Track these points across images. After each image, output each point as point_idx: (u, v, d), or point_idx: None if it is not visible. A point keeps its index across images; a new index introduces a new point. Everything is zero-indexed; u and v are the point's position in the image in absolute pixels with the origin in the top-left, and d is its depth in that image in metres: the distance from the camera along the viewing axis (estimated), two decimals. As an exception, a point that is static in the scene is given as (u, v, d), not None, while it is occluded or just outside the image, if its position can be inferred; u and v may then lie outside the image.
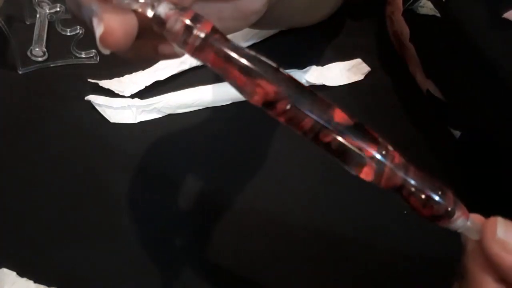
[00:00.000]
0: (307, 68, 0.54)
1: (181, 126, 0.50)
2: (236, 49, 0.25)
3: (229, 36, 0.27)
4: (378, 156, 0.26)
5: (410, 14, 0.47)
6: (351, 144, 0.25)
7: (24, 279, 0.41)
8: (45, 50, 0.55)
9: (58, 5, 0.56)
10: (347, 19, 0.59)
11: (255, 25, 0.36)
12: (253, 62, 0.25)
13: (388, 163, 0.26)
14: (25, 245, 0.43)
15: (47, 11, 0.57)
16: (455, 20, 0.41)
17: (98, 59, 0.55)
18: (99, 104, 0.50)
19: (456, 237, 0.28)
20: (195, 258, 0.43)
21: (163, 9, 0.25)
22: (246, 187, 0.47)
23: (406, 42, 0.50)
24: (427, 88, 0.49)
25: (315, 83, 0.53)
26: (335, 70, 0.54)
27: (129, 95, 0.51)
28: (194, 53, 0.25)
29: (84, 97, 0.50)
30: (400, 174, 0.26)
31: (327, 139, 0.25)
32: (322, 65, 0.55)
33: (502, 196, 0.43)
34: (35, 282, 0.41)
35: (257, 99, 0.25)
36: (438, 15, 0.43)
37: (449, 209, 0.26)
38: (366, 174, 0.26)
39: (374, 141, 0.26)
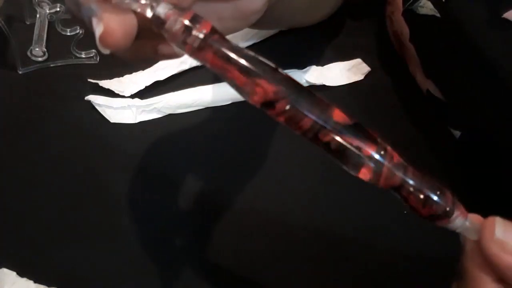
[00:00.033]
0: (307, 68, 0.54)
1: (181, 126, 0.50)
2: (235, 50, 0.25)
3: (229, 36, 0.27)
4: (377, 156, 0.26)
5: (410, 14, 0.47)
6: (350, 144, 0.25)
7: (24, 279, 0.41)
8: (45, 50, 0.55)
9: (58, 5, 0.56)
10: (347, 19, 0.59)
11: (255, 25, 0.36)
12: (253, 63, 0.25)
13: (386, 163, 0.26)
14: (25, 245, 0.43)
15: (47, 11, 0.57)
16: (455, 20, 0.41)
17: (98, 59, 0.55)
18: (99, 104, 0.50)
19: (455, 237, 0.28)
20: (195, 258, 0.43)
21: (162, 10, 0.25)
22: (246, 187, 0.47)
23: (406, 42, 0.50)
24: (427, 88, 0.49)
25: (315, 83, 0.53)
26: (335, 70, 0.54)
27: (129, 95, 0.51)
28: (193, 54, 0.25)
29: (84, 97, 0.50)
30: (399, 174, 0.26)
31: (326, 139, 0.25)
32: (322, 65, 0.55)
33: (502, 196, 0.43)
34: (35, 282, 0.41)
35: (256, 99, 0.25)
36: (438, 15, 0.43)
37: (448, 209, 0.26)
38: (365, 174, 0.26)
39: (373, 141, 0.26)
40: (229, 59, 0.25)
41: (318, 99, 0.26)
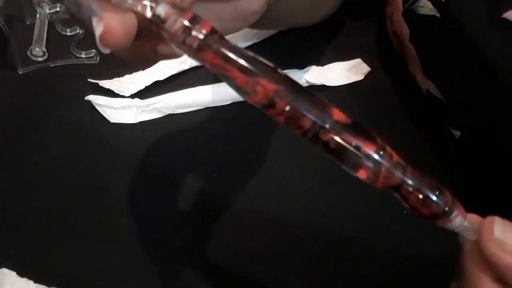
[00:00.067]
0: (307, 68, 0.54)
1: (181, 126, 0.50)
2: (235, 50, 0.25)
3: (229, 36, 0.27)
4: (376, 156, 0.26)
5: (410, 14, 0.47)
6: (349, 143, 0.25)
7: (24, 279, 0.41)
8: (45, 50, 0.55)
9: (58, 5, 0.56)
10: (347, 19, 0.59)
11: (255, 25, 0.36)
12: (252, 62, 0.25)
13: (385, 162, 0.26)
14: (25, 245, 0.43)
15: (47, 11, 0.57)
16: (454, 20, 0.41)
17: (98, 59, 0.55)
18: (99, 104, 0.50)
19: (455, 237, 0.28)
20: (195, 258, 0.43)
21: (162, 10, 0.25)
22: (246, 187, 0.47)
23: (406, 42, 0.50)
24: (427, 88, 0.49)
25: (315, 83, 0.53)
26: (335, 70, 0.54)
27: (129, 95, 0.51)
28: (193, 54, 0.25)
29: (84, 97, 0.50)
30: (398, 174, 0.26)
31: (326, 138, 0.25)
32: (322, 65, 0.55)
33: (502, 196, 0.43)
34: (35, 282, 0.41)
35: (257, 99, 0.25)
36: (438, 15, 0.43)
37: (447, 208, 0.26)
38: (364, 173, 0.26)
39: (372, 141, 0.26)
40: (229, 59, 0.25)
41: (317, 99, 0.26)
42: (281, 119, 0.26)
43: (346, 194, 0.46)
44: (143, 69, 0.53)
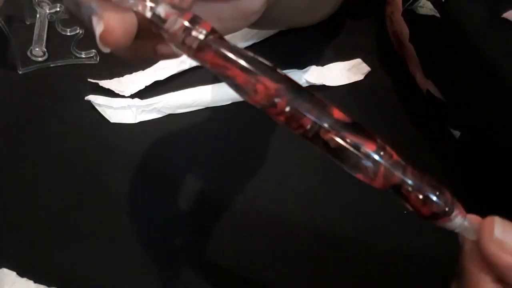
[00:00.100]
0: (307, 68, 0.54)
1: (181, 126, 0.50)
2: (235, 50, 0.25)
3: (229, 36, 0.27)
4: (376, 156, 0.26)
5: (410, 14, 0.47)
6: (349, 143, 0.25)
7: (24, 279, 0.41)
8: (45, 50, 0.55)
9: (58, 5, 0.56)
10: (347, 19, 0.59)
11: (255, 25, 0.36)
12: (252, 62, 0.25)
13: (385, 163, 0.26)
14: (25, 245, 0.43)
15: (47, 11, 0.57)
16: (454, 20, 0.41)
17: (98, 59, 0.55)
18: (99, 104, 0.50)
19: (455, 237, 0.28)
20: (195, 258, 0.43)
21: (162, 10, 0.25)
22: (246, 187, 0.47)
23: (405, 42, 0.50)
24: (427, 88, 0.49)
25: (315, 83, 0.53)
26: (335, 70, 0.54)
27: (129, 95, 0.51)
28: (193, 54, 0.25)
29: (84, 97, 0.50)
30: (398, 174, 0.26)
31: (326, 138, 0.25)
32: (322, 65, 0.55)
33: (502, 196, 0.43)
34: (35, 282, 0.41)
35: (257, 98, 0.25)
36: (438, 15, 0.43)
37: (447, 208, 0.26)
38: (364, 173, 0.26)
39: (372, 141, 0.26)
40: (229, 59, 0.25)
41: (317, 98, 0.26)
42: (281, 118, 0.26)
43: (346, 194, 0.46)
44: (143, 69, 0.53)
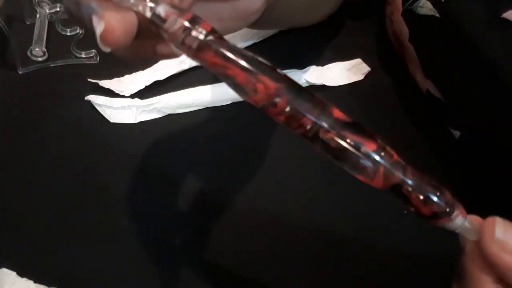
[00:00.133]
0: (307, 68, 0.54)
1: (181, 126, 0.50)
2: (235, 50, 0.25)
3: (229, 36, 0.27)
4: (376, 156, 0.26)
5: (410, 14, 0.47)
6: (349, 144, 0.25)
7: (24, 279, 0.41)
8: (45, 50, 0.55)
9: (58, 5, 0.56)
10: (347, 19, 0.59)
11: (254, 25, 0.36)
12: (252, 62, 0.25)
13: (385, 163, 0.26)
14: (25, 245, 0.43)
15: (47, 11, 0.57)
16: (454, 20, 0.41)
17: (98, 59, 0.55)
18: (99, 104, 0.50)
19: (455, 237, 0.28)
20: (195, 258, 0.43)
21: (161, 10, 0.25)
22: (246, 187, 0.47)
23: (405, 42, 0.50)
24: (426, 88, 0.49)
25: (315, 83, 0.53)
26: (335, 70, 0.54)
27: (129, 95, 0.51)
28: (192, 54, 0.25)
29: (84, 97, 0.50)
30: (398, 174, 0.26)
31: (326, 138, 0.25)
32: (322, 65, 0.55)
33: (502, 196, 0.43)
34: (35, 282, 0.41)
35: (258, 97, 0.25)
36: (437, 15, 0.43)
37: (447, 209, 0.26)
38: (364, 174, 0.26)
39: (372, 141, 0.26)
40: (229, 58, 0.25)
41: (317, 98, 0.26)
42: (281, 118, 0.26)
43: (346, 194, 0.46)
44: (143, 69, 0.53)
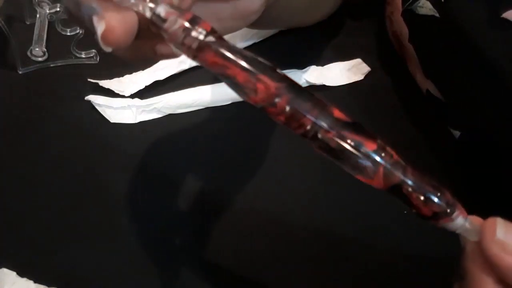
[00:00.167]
0: (307, 68, 0.54)
1: (181, 126, 0.50)
2: (235, 50, 0.25)
3: (229, 35, 0.27)
4: (376, 156, 0.26)
5: (409, 14, 0.47)
6: (349, 144, 0.25)
7: (24, 279, 0.41)
8: (45, 50, 0.55)
9: (58, 5, 0.56)
10: (347, 19, 0.59)
11: (254, 25, 0.36)
12: (252, 62, 0.25)
13: (385, 163, 0.26)
14: (25, 245, 0.43)
15: (47, 11, 0.57)
16: (454, 20, 0.41)
17: (98, 59, 0.55)
18: (99, 104, 0.50)
19: (455, 237, 0.28)
20: (195, 258, 0.43)
21: (161, 10, 0.25)
22: (246, 187, 0.47)
23: (405, 43, 0.50)
24: (426, 88, 0.49)
25: (315, 83, 0.53)
26: (335, 70, 0.54)
27: (129, 95, 0.51)
28: (192, 54, 0.26)
29: (84, 97, 0.50)
30: (398, 174, 0.26)
31: (326, 138, 0.25)
32: (322, 65, 0.55)
33: (502, 196, 0.43)
34: (35, 282, 0.41)
35: (258, 97, 0.25)
36: (437, 15, 0.43)
37: (448, 209, 0.26)
38: (364, 174, 0.26)
39: (372, 141, 0.26)
40: (229, 59, 0.25)
41: (317, 98, 0.26)
42: (281, 118, 0.26)
43: (346, 194, 0.46)
44: (143, 69, 0.53)
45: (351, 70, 0.54)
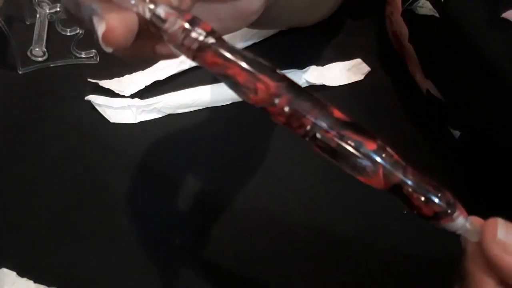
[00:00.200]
0: (307, 68, 0.54)
1: (181, 126, 0.50)
2: (234, 51, 0.25)
3: (228, 36, 0.27)
4: (376, 156, 0.26)
5: (409, 14, 0.47)
6: (349, 144, 0.25)
7: (24, 279, 0.41)
8: (45, 50, 0.55)
9: (58, 5, 0.56)
10: (347, 19, 0.59)
11: (254, 25, 0.36)
12: (252, 63, 0.25)
13: (385, 163, 0.26)
14: (25, 245, 0.43)
15: (47, 11, 0.57)
16: (454, 20, 0.41)
17: (98, 59, 0.55)
18: (99, 104, 0.50)
19: (455, 237, 0.28)
20: (195, 258, 0.43)
21: (162, 11, 0.25)
22: (246, 187, 0.47)
23: (405, 43, 0.50)
24: (426, 88, 0.49)
25: (315, 83, 0.53)
26: (335, 70, 0.54)
27: (129, 95, 0.51)
28: (192, 55, 0.25)
29: (84, 97, 0.50)
30: (398, 174, 0.26)
31: (325, 138, 0.25)
32: (322, 65, 0.55)
33: (502, 196, 0.43)
34: (35, 282, 0.41)
35: (258, 98, 0.25)
36: (437, 15, 0.43)
37: (448, 210, 0.26)
38: (364, 174, 0.26)
39: (372, 141, 0.26)
40: (229, 59, 0.25)
41: (316, 98, 0.26)
42: (281, 119, 0.26)
43: (347, 193, 0.46)
44: (143, 69, 0.53)
45: (351, 70, 0.54)
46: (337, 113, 0.26)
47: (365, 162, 0.26)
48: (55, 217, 0.44)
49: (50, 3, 0.56)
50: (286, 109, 0.25)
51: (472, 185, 0.46)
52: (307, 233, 0.45)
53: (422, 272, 0.43)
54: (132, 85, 0.52)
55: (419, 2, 0.45)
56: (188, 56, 0.26)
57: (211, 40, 0.25)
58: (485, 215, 0.27)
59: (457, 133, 0.47)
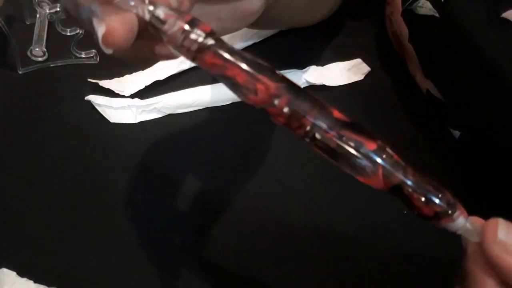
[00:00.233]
0: (307, 68, 0.54)
1: (181, 126, 0.50)
2: (234, 52, 0.25)
3: (228, 36, 0.27)
4: (376, 157, 0.26)
5: (409, 14, 0.47)
6: (349, 144, 0.25)
7: (24, 279, 0.41)
8: (45, 50, 0.55)
9: (58, 5, 0.56)
10: (347, 19, 0.59)
11: (254, 25, 0.36)
12: (252, 64, 0.25)
13: (385, 163, 0.26)
14: (25, 245, 0.43)
15: (47, 11, 0.57)
16: (454, 20, 0.41)
17: (98, 59, 0.55)
18: (99, 104, 0.50)
19: (455, 237, 0.28)
20: (195, 258, 0.43)
21: (161, 12, 0.25)
22: (246, 187, 0.47)
23: (405, 43, 0.50)
24: (426, 88, 0.49)
25: (315, 83, 0.53)
26: (335, 70, 0.54)
27: (129, 95, 0.51)
28: (191, 56, 0.26)
29: (84, 97, 0.50)
30: (398, 174, 0.26)
31: (325, 139, 0.25)
32: (322, 65, 0.55)
33: (502, 196, 0.43)
34: (35, 282, 0.41)
35: (258, 98, 0.25)
36: (437, 15, 0.43)
37: (449, 210, 0.26)
38: (364, 175, 0.26)
39: (372, 141, 0.26)
40: (228, 60, 0.25)
41: (316, 99, 0.26)
42: (281, 119, 0.26)
43: (347, 194, 0.46)
44: (143, 69, 0.53)
45: (351, 70, 0.54)
46: (337, 114, 0.26)
47: (365, 163, 0.26)
48: (55, 217, 0.44)
49: (50, 3, 0.56)
50: (286, 109, 0.25)
51: (472, 185, 0.46)
52: (307, 233, 0.45)
53: (423, 272, 0.43)
54: (132, 85, 0.52)
55: (419, 2, 0.45)
56: (187, 57, 0.26)
57: (210, 41, 0.25)
58: (485, 215, 0.27)
59: (457, 133, 0.47)
